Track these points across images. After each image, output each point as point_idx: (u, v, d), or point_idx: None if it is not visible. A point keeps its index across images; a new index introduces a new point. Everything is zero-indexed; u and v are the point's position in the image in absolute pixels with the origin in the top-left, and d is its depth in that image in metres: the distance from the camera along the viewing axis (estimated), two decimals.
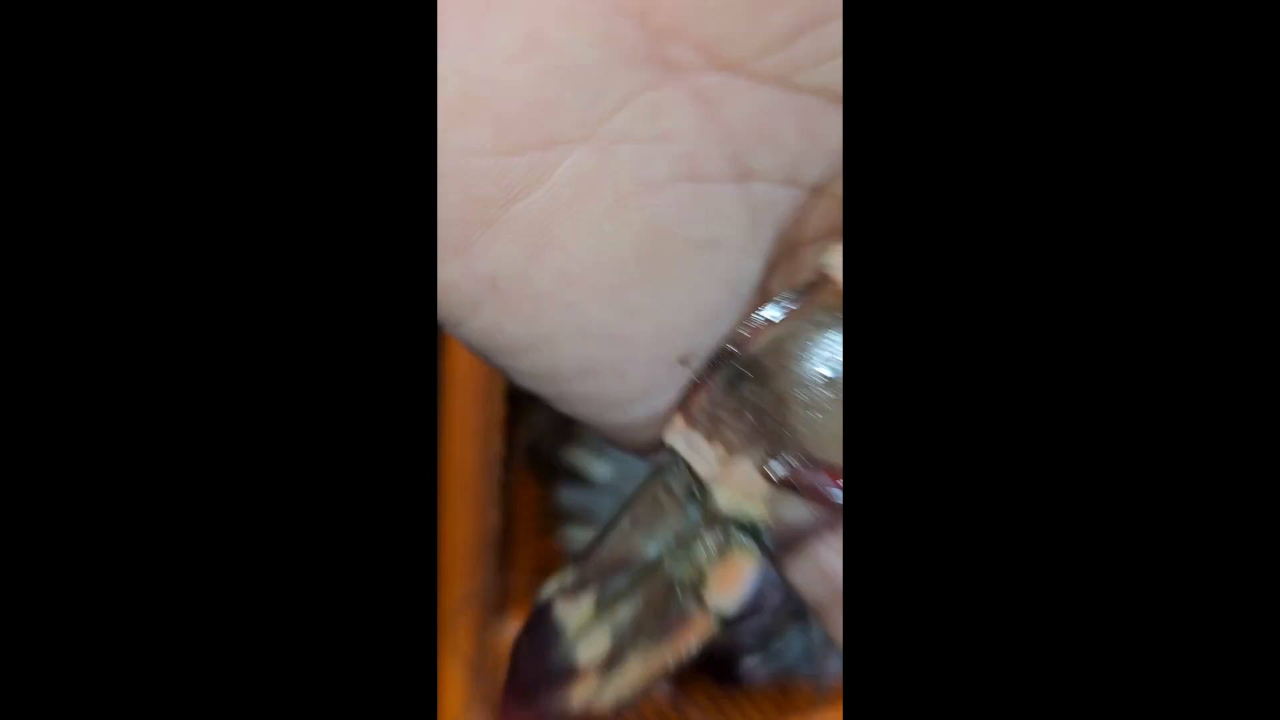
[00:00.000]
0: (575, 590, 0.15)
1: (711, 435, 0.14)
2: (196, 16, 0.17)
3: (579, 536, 0.43)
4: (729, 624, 0.15)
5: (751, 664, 0.42)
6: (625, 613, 0.15)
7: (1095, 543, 0.17)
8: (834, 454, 0.14)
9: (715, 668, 0.44)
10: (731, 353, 0.14)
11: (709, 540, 0.14)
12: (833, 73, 0.14)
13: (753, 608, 0.16)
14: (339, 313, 0.20)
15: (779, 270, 0.15)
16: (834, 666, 0.43)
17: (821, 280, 0.14)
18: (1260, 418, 0.17)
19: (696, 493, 0.14)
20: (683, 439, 0.14)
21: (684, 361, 0.14)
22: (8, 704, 0.20)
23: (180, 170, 0.18)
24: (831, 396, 0.14)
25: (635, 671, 0.15)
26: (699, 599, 0.14)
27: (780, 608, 0.43)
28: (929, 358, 0.18)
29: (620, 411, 0.15)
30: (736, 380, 0.14)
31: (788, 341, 0.14)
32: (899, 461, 0.18)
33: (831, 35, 0.14)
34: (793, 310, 0.14)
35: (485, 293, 0.15)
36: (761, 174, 0.14)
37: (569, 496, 0.44)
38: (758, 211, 0.14)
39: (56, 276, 0.20)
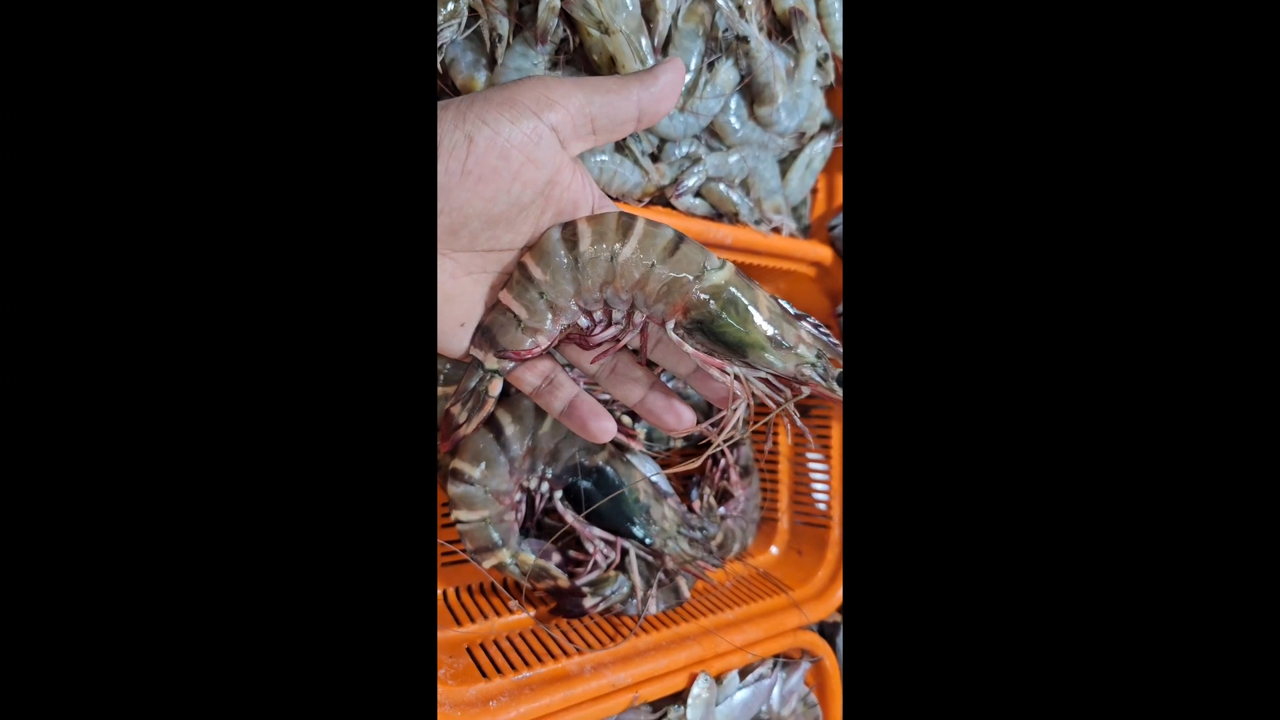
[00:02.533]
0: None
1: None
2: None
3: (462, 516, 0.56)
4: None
5: (590, 604, 0.58)
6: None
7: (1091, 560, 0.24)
8: None
9: (565, 606, 0.59)
10: None
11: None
12: None
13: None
14: (342, 313, 0.26)
15: None
16: (648, 608, 0.59)
17: None
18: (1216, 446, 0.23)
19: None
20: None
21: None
22: (8, 704, 0.21)
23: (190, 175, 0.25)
24: None
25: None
26: None
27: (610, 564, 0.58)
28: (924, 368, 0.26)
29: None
30: None
31: None
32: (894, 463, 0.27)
33: None
34: None
35: None
36: None
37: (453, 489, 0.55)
38: None
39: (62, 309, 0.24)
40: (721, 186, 0.60)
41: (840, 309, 0.66)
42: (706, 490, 0.64)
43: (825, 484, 0.72)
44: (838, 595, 0.68)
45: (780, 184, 0.65)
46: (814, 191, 0.72)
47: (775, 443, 0.75)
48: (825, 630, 0.70)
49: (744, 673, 0.61)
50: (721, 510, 0.66)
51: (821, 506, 0.72)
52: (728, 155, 0.60)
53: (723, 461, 0.64)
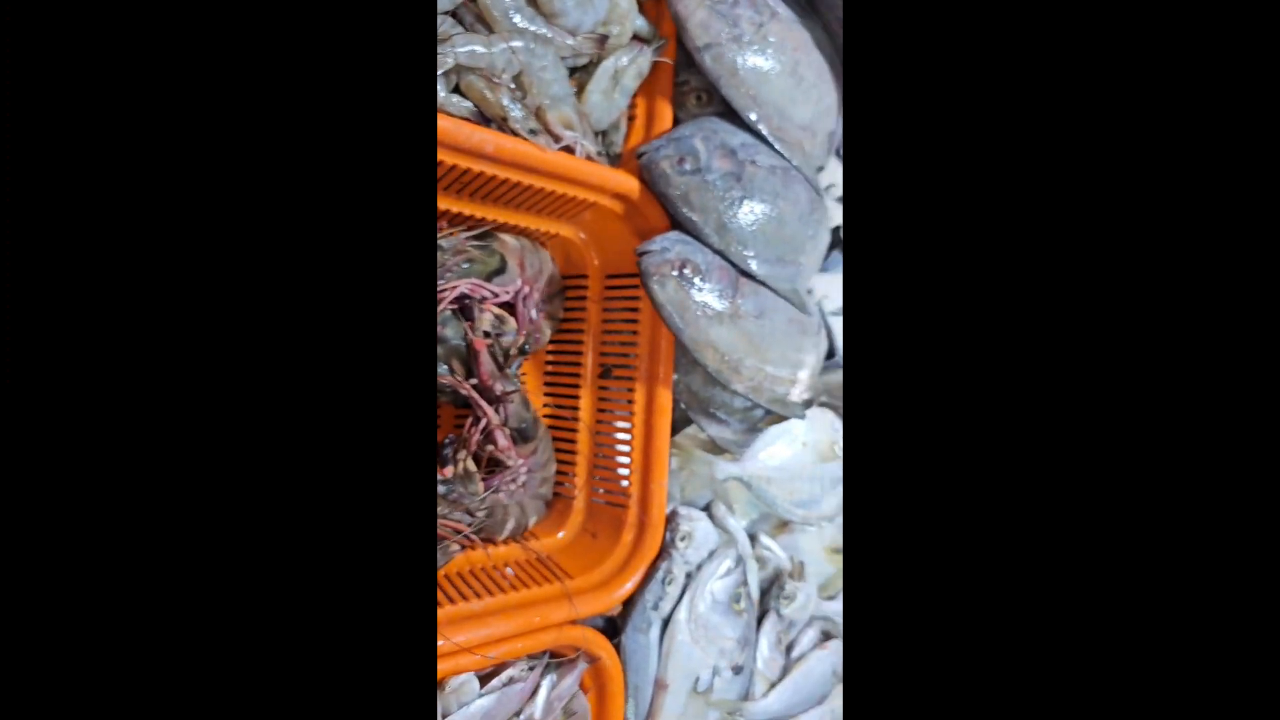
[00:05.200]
0: None
1: None
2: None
3: None
4: None
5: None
6: None
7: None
8: None
9: None
10: None
11: None
12: None
13: None
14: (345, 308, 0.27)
15: None
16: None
17: None
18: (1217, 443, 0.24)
19: None
20: None
21: None
22: (9, 704, 0.22)
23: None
24: None
25: None
26: None
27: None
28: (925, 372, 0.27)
29: None
30: None
31: None
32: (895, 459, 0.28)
33: None
34: None
35: None
36: None
37: None
38: None
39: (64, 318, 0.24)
40: (481, 82, 0.49)
41: (641, 249, 0.56)
42: (462, 454, 0.52)
43: (628, 456, 0.62)
44: (627, 585, 0.58)
45: (569, 92, 0.54)
46: (631, 118, 0.62)
47: (574, 409, 0.64)
48: (612, 627, 0.60)
49: (487, 677, 0.50)
50: (494, 483, 0.55)
51: (624, 484, 0.62)
52: (491, 43, 0.49)
53: (483, 421, 0.53)
